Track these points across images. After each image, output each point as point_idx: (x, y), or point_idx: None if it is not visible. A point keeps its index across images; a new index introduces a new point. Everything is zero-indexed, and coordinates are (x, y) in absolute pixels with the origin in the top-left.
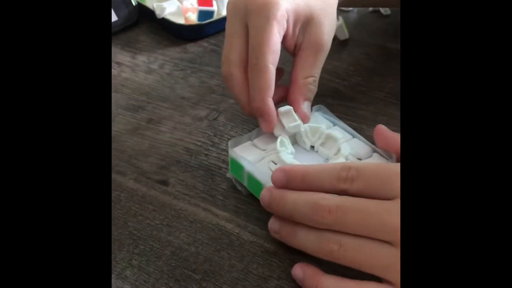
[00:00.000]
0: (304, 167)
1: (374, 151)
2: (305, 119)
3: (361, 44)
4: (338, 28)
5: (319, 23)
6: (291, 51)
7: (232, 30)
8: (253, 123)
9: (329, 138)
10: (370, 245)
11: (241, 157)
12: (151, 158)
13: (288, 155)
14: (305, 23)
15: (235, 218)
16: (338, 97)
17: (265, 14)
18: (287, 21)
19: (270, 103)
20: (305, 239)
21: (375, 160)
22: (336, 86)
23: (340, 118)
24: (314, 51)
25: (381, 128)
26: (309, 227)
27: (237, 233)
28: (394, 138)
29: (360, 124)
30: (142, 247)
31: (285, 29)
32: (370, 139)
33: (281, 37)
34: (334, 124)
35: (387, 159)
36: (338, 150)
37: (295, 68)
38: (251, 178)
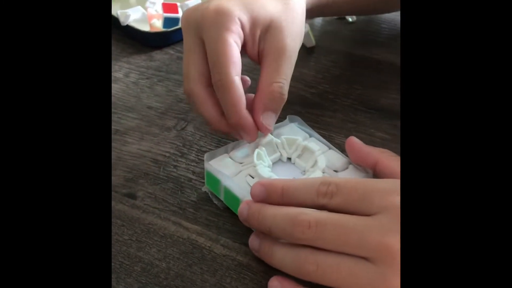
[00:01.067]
0: (283, 182)
1: (350, 163)
2: (263, 130)
3: (327, 51)
4: (305, 36)
5: (280, 27)
6: (256, 60)
7: (188, 46)
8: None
9: (306, 150)
10: (347, 264)
11: (218, 171)
12: (117, 171)
13: (265, 168)
14: (264, 29)
15: (206, 231)
16: (307, 105)
17: (217, 26)
18: (243, 29)
19: (247, 115)
20: (282, 259)
21: (351, 171)
22: (304, 94)
23: (309, 126)
24: (276, 55)
25: (354, 141)
26: (286, 245)
27: (209, 246)
28: (368, 152)
29: (329, 131)
30: (112, 263)
31: (242, 38)
32: (339, 146)
33: (240, 46)
34: (310, 136)
35: (362, 171)
36: (315, 163)
37: (260, 76)
38: (228, 192)
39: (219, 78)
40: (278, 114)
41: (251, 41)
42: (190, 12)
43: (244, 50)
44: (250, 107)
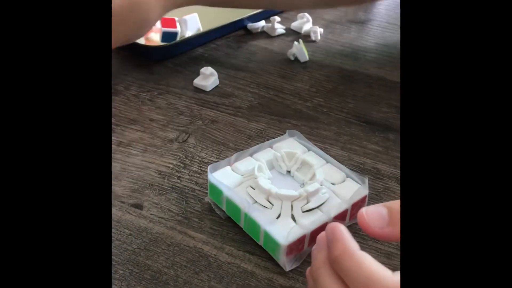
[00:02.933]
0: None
1: (347, 176)
2: None
3: (320, 66)
4: (299, 51)
5: None
6: None
7: None
8: (223, 144)
9: (305, 163)
10: None
11: (220, 182)
12: (123, 182)
13: (265, 180)
14: None
15: (211, 240)
16: (302, 118)
17: None
18: None
19: None
20: None
21: (348, 184)
22: (299, 107)
23: (305, 138)
24: None
25: (362, 216)
26: None
27: (214, 254)
28: (380, 215)
29: (324, 144)
30: (122, 272)
31: None
32: (335, 158)
33: None
34: (309, 149)
35: (359, 184)
36: (313, 175)
37: None
38: (230, 203)
39: None
40: None
41: None
42: None
43: None
44: None
